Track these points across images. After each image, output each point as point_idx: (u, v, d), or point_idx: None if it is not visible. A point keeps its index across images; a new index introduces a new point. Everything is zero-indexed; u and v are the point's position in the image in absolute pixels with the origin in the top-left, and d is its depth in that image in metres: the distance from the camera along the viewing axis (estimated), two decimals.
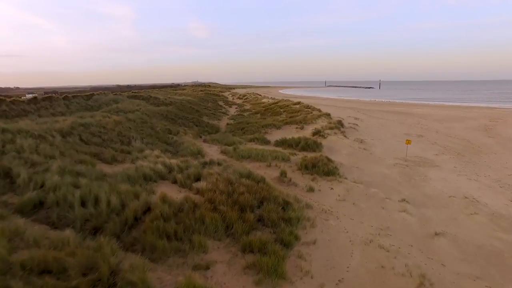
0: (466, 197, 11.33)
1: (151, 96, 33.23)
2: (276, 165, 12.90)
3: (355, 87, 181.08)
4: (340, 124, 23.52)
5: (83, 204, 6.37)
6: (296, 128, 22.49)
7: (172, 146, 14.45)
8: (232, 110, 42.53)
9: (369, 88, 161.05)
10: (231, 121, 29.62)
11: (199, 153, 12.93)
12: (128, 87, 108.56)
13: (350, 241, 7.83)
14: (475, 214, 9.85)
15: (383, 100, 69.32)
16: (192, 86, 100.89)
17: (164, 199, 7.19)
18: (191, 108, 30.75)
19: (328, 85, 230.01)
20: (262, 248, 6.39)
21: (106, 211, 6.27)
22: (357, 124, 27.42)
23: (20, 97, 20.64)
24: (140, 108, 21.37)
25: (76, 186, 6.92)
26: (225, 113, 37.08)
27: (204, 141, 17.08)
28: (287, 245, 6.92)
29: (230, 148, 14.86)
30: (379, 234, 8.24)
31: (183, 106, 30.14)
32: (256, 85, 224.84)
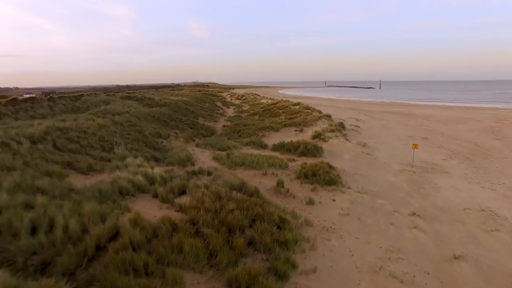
0: (482, 210, 10.21)
1: (145, 97, 32.10)
2: (272, 173, 11.78)
3: (355, 87, 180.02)
4: (341, 126, 22.41)
5: (33, 231, 5.25)
6: (295, 130, 21.37)
7: (160, 151, 13.30)
8: (230, 111, 41.43)
9: (369, 88, 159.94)
10: (228, 123, 28.52)
11: (188, 160, 11.79)
12: (128, 87, 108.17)
13: (357, 267, 6.71)
14: (496, 231, 8.73)
15: (384, 101, 68.24)
16: (190, 86, 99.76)
17: (136, 221, 6.05)
18: (186, 109, 29.61)
19: (328, 85, 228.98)
20: (252, 283, 5.28)
21: (62, 239, 5.15)
22: (359, 126, 26.32)
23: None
24: (130, 110, 20.21)
25: (30, 206, 5.81)
26: (222, 114, 35.96)
27: (197, 145, 15.95)
28: (282, 276, 5.80)
29: (224, 153, 13.73)
30: (389, 258, 7.12)
31: (178, 107, 28.99)
32: (255, 85, 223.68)
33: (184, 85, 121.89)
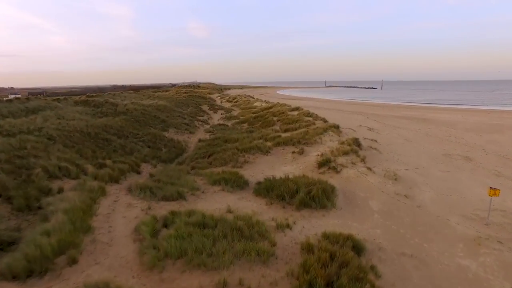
0: None
1: (107, 102, 25.76)
2: (240, 283, 5.48)
3: (356, 87, 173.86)
4: (356, 144, 16.10)
5: None
6: (293, 152, 15.02)
7: (33, 216, 6.95)
8: (217, 117, 35.12)
9: (370, 88, 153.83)
10: (207, 135, 22.22)
11: (63, 252, 5.47)
12: (123, 87, 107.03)
13: None
14: None
15: (390, 103, 62.18)
16: (178, 87, 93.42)
17: None
18: (155, 117, 23.27)
19: (327, 85, 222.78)
20: None
21: None
22: (376, 141, 20.06)
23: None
24: (51, 125, 13.76)
25: None
26: (205, 122, 29.61)
27: (129, 190, 9.57)
28: None
29: (159, 218, 7.43)
30: None
31: (143, 115, 22.67)
32: (254, 85, 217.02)
33: (181, 85, 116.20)
